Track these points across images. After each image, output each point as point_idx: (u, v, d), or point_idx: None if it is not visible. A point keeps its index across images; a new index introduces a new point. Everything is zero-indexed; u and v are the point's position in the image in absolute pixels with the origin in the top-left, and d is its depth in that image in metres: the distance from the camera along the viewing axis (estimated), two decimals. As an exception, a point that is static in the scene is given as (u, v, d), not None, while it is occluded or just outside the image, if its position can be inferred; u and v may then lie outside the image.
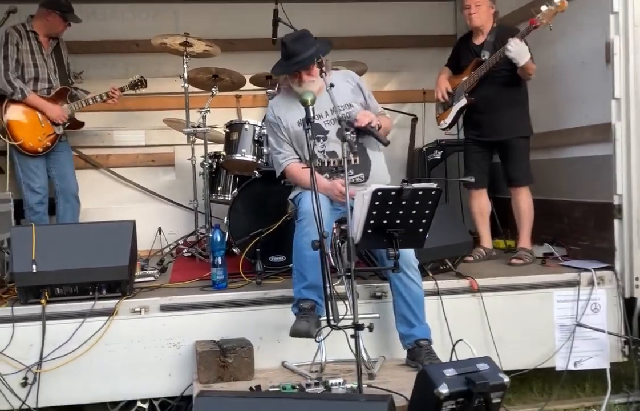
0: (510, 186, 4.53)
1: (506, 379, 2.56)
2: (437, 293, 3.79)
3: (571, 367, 3.91)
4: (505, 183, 4.62)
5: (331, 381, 3.19)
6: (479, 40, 4.54)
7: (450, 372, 2.50)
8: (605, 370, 3.88)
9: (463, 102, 4.53)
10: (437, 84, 4.68)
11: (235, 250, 4.45)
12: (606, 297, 3.96)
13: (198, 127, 4.97)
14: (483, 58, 4.41)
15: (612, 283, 3.99)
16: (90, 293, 3.61)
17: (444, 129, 4.79)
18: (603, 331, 3.90)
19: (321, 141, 3.62)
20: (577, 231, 4.49)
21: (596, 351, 3.93)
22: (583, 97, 4.45)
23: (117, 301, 3.60)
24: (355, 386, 2.92)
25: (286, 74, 3.67)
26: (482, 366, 2.56)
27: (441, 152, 5.50)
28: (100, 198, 5.71)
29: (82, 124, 5.13)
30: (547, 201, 4.69)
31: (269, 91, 4.91)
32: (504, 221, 5.10)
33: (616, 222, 4.02)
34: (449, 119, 4.66)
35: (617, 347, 3.96)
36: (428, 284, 3.75)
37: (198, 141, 5.13)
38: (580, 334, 3.90)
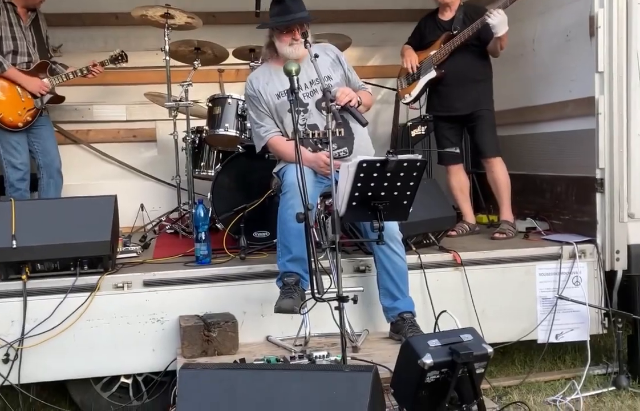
0: (481, 159, 4.59)
1: (490, 349, 2.58)
2: (421, 266, 3.81)
3: (552, 340, 3.97)
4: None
5: (315, 354, 3.20)
6: (446, 17, 4.56)
7: (434, 343, 2.51)
8: (585, 342, 3.93)
9: (432, 74, 4.54)
10: (405, 56, 4.67)
11: (219, 226, 4.43)
12: (587, 270, 4.01)
13: (180, 101, 4.91)
14: (454, 32, 4.42)
15: (593, 256, 4.03)
16: (72, 269, 3.57)
17: (407, 103, 4.81)
18: (584, 303, 3.94)
19: (302, 113, 3.60)
20: (559, 205, 4.52)
21: (577, 324, 3.98)
22: (566, 71, 4.46)
23: (99, 276, 3.57)
24: (339, 358, 2.93)
25: (282, 27, 3.60)
26: (466, 337, 2.58)
27: (425, 127, 5.47)
28: (81, 174, 5.64)
29: (62, 98, 5.04)
30: (530, 175, 4.72)
31: (252, 64, 4.86)
32: (486, 195, 5.13)
33: (598, 196, 4.06)
34: (414, 92, 4.67)
35: (598, 319, 4.02)
36: (411, 258, 3.76)
37: (180, 116, 5.07)
38: (562, 307, 3.95)
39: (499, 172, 4.51)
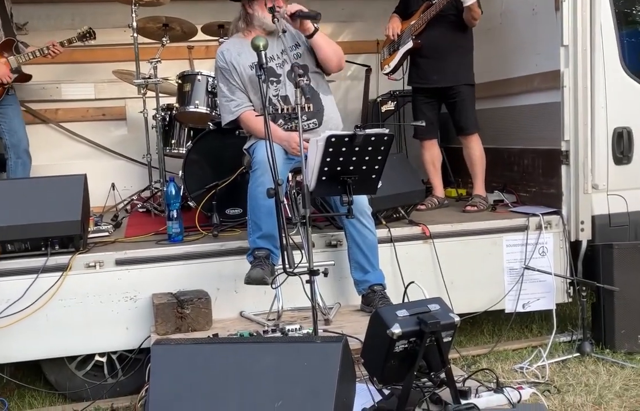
0: (459, 135, 4.61)
1: (456, 318, 2.65)
2: (391, 240, 3.86)
3: (520, 309, 4.06)
4: (455, 133, 4.69)
5: (288, 327, 3.25)
6: None
7: (402, 313, 2.57)
8: (551, 311, 4.04)
9: (409, 45, 4.53)
10: (388, 25, 4.66)
11: (191, 204, 4.42)
12: (553, 241, 4.10)
13: (149, 78, 4.87)
14: (433, 1, 4.41)
15: (559, 227, 4.13)
16: (43, 249, 3.55)
17: (386, 74, 4.80)
18: (550, 273, 4.04)
19: (274, 84, 3.60)
20: (526, 178, 4.61)
21: (543, 293, 4.09)
22: (533, 45, 4.51)
23: (70, 256, 3.56)
24: (311, 331, 2.98)
25: None
26: (433, 307, 2.64)
27: (395, 102, 5.54)
28: (50, 154, 5.57)
29: (29, 77, 4.97)
30: (497, 149, 4.80)
31: (221, 40, 4.83)
32: (455, 170, 5.20)
33: (563, 168, 4.14)
34: (393, 63, 4.68)
35: (563, 289, 4.13)
36: (382, 232, 3.82)
37: (150, 93, 5.03)
38: (529, 277, 4.05)
39: (475, 148, 4.55)
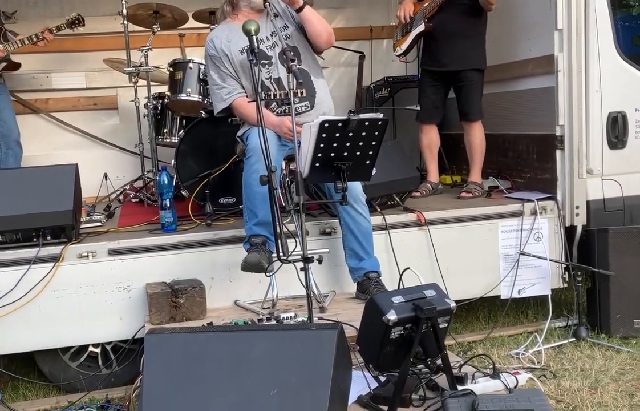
0: (462, 120, 4.56)
1: (452, 304, 2.62)
2: (385, 227, 3.84)
3: (515, 295, 4.06)
4: (452, 119, 4.66)
5: (283, 315, 3.23)
6: None
7: (398, 299, 2.54)
8: (547, 296, 4.04)
9: (421, 27, 4.48)
10: (400, 6, 4.62)
11: (184, 193, 4.39)
12: (548, 226, 4.09)
13: (140, 66, 4.82)
14: None
15: (554, 212, 4.12)
16: (35, 239, 3.51)
17: (398, 55, 4.75)
18: (545, 258, 4.04)
19: (266, 67, 3.56)
20: (521, 163, 4.59)
21: (538, 279, 4.08)
22: (527, 30, 4.49)
23: (62, 246, 3.53)
24: (306, 319, 2.96)
25: None
26: (429, 293, 2.61)
27: (389, 89, 5.51)
28: (41, 145, 5.53)
29: (18, 65, 4.91)
30: (492, 134, 4.77)
31: (212, 27, 4.78)
32: (450, 156, 5.18)
33: (558, 153, 4.13)
34: (404, 45, 4.63)
35: (558, 274, 4.12)
36: (376, 219, 3.80)
37: (141, 82, 4.99)
38: (524, 262, 4.04)
39: (477, 136, 4.51)
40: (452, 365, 2.71)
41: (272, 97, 3.40)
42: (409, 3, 4.60)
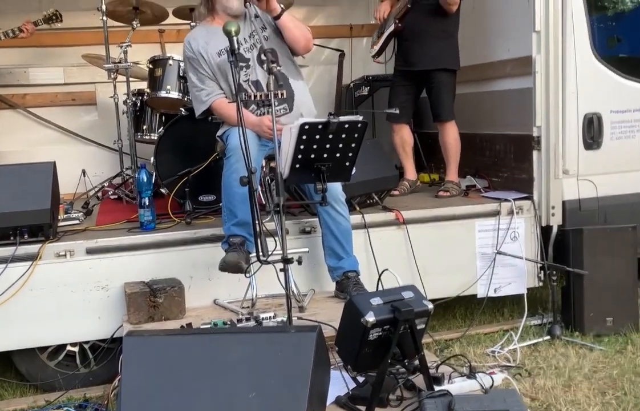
0: (435, 121, 4.61)
1: (430, 305, 2.66)
2: (364, 226, 3.87)
3: (491, 293, 4.11)
4: (429, 118, 4.70)
5: (262, 315, 3.24)
6: None
7: (376, 301, 2.57)
8: (522, 295, 4.10)
9: (391, 28, 4.52)
10: (376, 7, 4.66)
11: (163, 190, 4.38)
12: (524, 226, 4.15)
13: (119, 62, 4.79)
14: None
15: (530, 212, 4.18)
16: (12, 238, 3.48)
17: (372, 56, 4.79)
18: (521, 258, 4.09)
19: (244, 69, 3.56)
20: (498, 163, 4.65)
21: (514, 278, 4.14)
22: (505, 30, 4.54)
23: (40, 245, 3.50)
24: (285, 319, 2.98)
25: None
26: (407, 294, 2.65)
27: (368, 88, 5.53)
28: (17, 140, 5.48)
29: (-6, 60, 4.87)
30: (469, 134, 4.82)
31: (192, 24, 4.77)
32: (428, 155, 5.22)
33: (535, 153, 4.18)
34: (377, 46, 4.68)
35: (534, 273, 4.18)
36: (355, 218, 3.83)
37: (120, 78, 4.95)
38: (500, 261, 4.09)
39: (450, 135, 4.54)
40: (429, 365, 2.75)
41: (251, 98, 3.41)
42: (386, 4, 4.64)
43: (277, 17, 3.52)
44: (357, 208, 3.97)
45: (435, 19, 4.41)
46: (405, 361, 2.69)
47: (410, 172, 4.80)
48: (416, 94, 4.69)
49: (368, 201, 4.14)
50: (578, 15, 4.24)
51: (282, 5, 3.53)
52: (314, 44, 4.51)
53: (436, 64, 4.46)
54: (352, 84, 5.71)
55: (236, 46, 3.01)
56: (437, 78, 4.47)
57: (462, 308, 4.44)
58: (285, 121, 3.33)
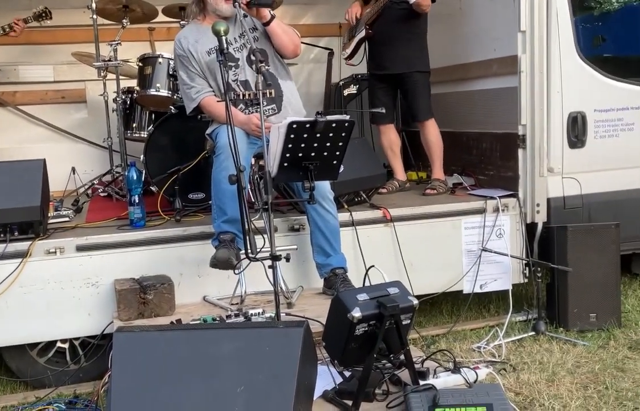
0: (414, 121, 4.67)
1: (415, 301, 2.71)
2: (352, 223, 3.92)
3: (477, 290, 4.17)
4: (414, 116, 4.75)
5: (251, 311, 3.28)
6: None
7: (362, 297, 2.62)
8: (508, 291, 4.16)
9: (362, 33, 4.58)
10: (348, 9, 4.70)
11: (153, 188, 4.41)
12: (510, 223, 4.21)
13: (109, 60, 4.81)
14: None
15: (515, 209, 4.24)
16: (2, 235, 3.50)
17: (345, 59, 4.84)
18: (506, 255, 4.15)
19: (233, 69, 3.60)
20: (484, 161, 4.70)
21: (500, 274, 4.20)
22: (491, 30, 4.58)
23: (30, 242, 3.52)
24: (274, 315, 3.02)
25: None
26: (393, 290, 2.70)
27: (357, 86, 5.57)
28: (8, 138, 5.49)
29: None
30: (457, 132, 4.88)
31: (182, 22, 4.79)
32: (416, 153, 5.27)
33: (520, 151, 4.24)
34: (349, 49, 4.73)
35: (519, 269, 4.24)
36: (343, 216, 3.87)
37: (110, 76, 4.98)
38: (486, 258, 4.15)
39: (431, 134, 4.60)
40: (414, 360, 2.80)
41: (240, 97, 3.44)
42: (357, 5, 4.68)
43: (267, 24, 3.58)
44: (345, 206, 4.01)
45: (405, 22, 4.48)
46: (391, 356, 2.74)
47: (400, 173, 4.85)
48: (394, 94, 4.76)
49: (356, 199, 4.19)
50: (563, 16, 4.30)
51: (272, 12, 3.58)
52: (303, 42, 4.57)
53: (409, 67, 4.53)
54: (341, 83, 5.75)
55: (225, 46, 3.04)
56: (411, 80, 4.54)
57: (448, 305, 4.50)
58: (274, 121, 3.38)
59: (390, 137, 4.79)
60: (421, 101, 4.56)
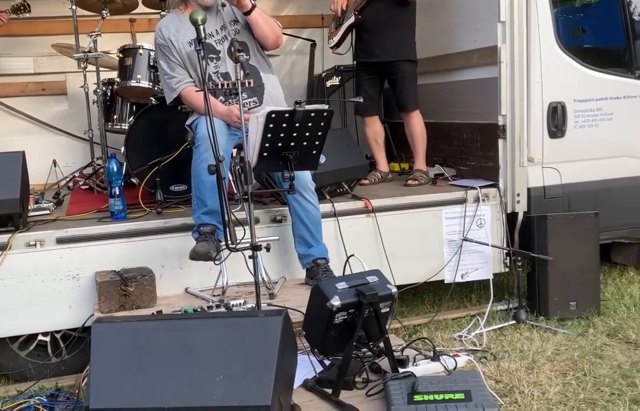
0: (400, 111, 4.68)
1: (394, 289, 2.73)
2: (334, 214, 3.93)
3: (458, 279, 4.20)
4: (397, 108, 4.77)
5: (232, 302, 3.29)
6: None
7: (341, 285, 2.63)
8: (489, 280, 4.19)
9: (351, 20, 4.58)
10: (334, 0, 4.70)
11: (134, 180, 4.38)
12: (490, 213, 4.24)
13: (89, 52, 4.77)
14: None
15: (496, 199, 4.26)
16: (-19, 228, 3.50)
17: (332, 48, 4.85)
18: (487, 244, 4.18)
19: (214, 61, 3.59)
20: (465, 152, 4.73)
21: (481, 264, 4.23)
22: (473, 21, 4.60)
23: (10, 235, 3.50)
24: (255, 305, 3.02)
25: None
26: (372, 279, 2.71)
27: (339, 77, 5.57)
28: (-14, 131, 5.44)
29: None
30: (437, 123, 4.90)
31: (162, 13, 4.77)
32: (398, 144, 5.29)
33: (500, 142, 4.26)
34: (336, 38, 4.74)
35: (500, 259, 4.27)
36: (325, 207, 3.88)
37: (90, 67, 4.93)
38: (467, 248, 4.17)
39: (416, 125, 4.62)
40: (394, 348, 2.82)
41: (219, 87, 3.43)
42: None
43: (248, 13, 3.56)
44: (327, 197, 4.02)
45: (395, 10, 4.49)
46: (371, 344, 2.75)
47: (383, 165, 4.87)
48: (381, 85, 4.77)
49: (338, 190, 4.19)
50: (542, 6, 4.31)
51: (253, 1, 3.57)
52: (285, 34, 4.56)
53: (398, 55, 4.54)
54: (323, 74, 5.75)
55: (202, 35, 3.03)
56: (400, 69, 4.55)
57: (430, 294, 4.52)
58: (254, 114, 3.36)
59: (375, 129, 4.80)
60: (409, 91, 4.57)
